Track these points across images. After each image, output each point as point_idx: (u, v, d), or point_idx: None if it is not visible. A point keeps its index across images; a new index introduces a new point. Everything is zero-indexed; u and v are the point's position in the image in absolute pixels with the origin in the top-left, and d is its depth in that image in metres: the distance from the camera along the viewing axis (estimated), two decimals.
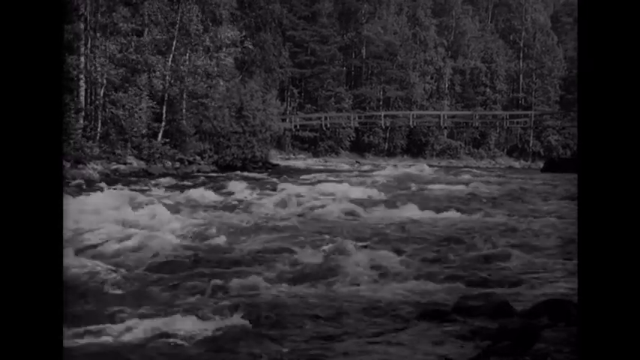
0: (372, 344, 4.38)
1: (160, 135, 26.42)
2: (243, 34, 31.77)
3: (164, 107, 26.96)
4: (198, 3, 28.36)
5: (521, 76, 61.14)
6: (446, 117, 47.15)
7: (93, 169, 21.38)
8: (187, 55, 27.67)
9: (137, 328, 4.55)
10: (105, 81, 24.02)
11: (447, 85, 57.25)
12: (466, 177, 24.80)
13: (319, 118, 44.52)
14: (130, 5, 25.37)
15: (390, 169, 30.53)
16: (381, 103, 52.43)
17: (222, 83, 28.37)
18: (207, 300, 5.49)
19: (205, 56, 27.81)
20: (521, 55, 61.80)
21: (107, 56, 23.89)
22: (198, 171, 25.85)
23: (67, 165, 20.16)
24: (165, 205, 11.27)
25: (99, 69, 23.66)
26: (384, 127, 46.77)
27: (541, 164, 42.10)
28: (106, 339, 4.41)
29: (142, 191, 14.77)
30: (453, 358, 3.84)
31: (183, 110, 27.70)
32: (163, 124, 26.76)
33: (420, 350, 4.23)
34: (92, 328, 4.57)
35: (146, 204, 11.44)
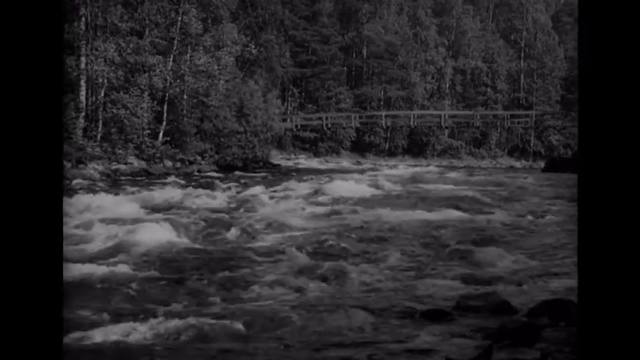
0: (372, 343, 4.38)
1: (160, 135, 26.42)
2: (247, 36, 31.77)
3: (165, 107, 26.97)
4: (199, 4, 28.35)
5: (522, 75, 61.12)
6: (447, 117, 47.14)
7: (94, 169, 21.41)
8: (188, 54, 27.66)
9: None
10: (105, 81, 24.03)
11: (447, 85, 57.25)
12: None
13: (320, 118, 44.51)
14: (129, 5, 25.36)
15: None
16: (381, 103, 52.44)
17: (222, 83, 28.37)
18: None
19: (206, 56, 27.80)
20: (522, 54, 61.79)
21: (106, 58, 23.87)
22: (199, 171, 25.85)
23: (68, 165, 20.19)
24: None
25: (99, 70, 23.66)
26: (384, 127, 46.77)
27: (542, 164, 42.10)
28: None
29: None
30: (454, 358, 3.84)
31: (184, 110, 27.70)
32: (164, 123, 26.76)
33: (420, 350, 4.22)
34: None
35: None
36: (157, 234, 8.33)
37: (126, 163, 23.54)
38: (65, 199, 11.70)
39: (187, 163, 26.51)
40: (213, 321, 4.64)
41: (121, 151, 23.87)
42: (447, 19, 59.65)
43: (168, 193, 14.73)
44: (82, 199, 12.18)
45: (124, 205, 11.92)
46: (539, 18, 62.82)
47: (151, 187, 16.42)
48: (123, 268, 6.60)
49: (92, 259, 7.06)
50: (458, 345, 4.28)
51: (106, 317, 4.85)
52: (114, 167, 22.64)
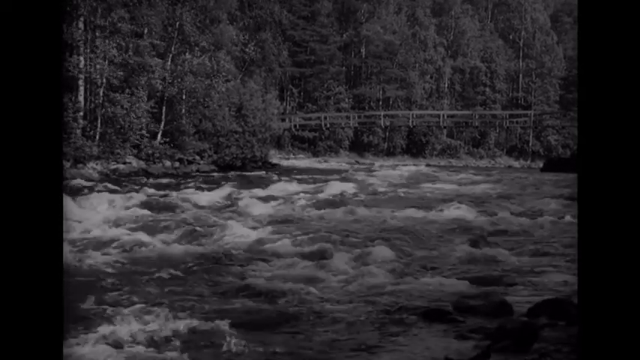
0: (372, 343, 4.38)
1: (159, 135, 26.40)
2: (246, 37, 31.71)
3: (163, 107, 26.94)
4: (197, 5, 28.31)
5: (520, 75, 61.13)
6: (445, 116, 47.11)
7: (92, 168, 21.39)
8: (186, 54, 27.63)
9: None
10: (105, 80, 23.99)
11: (446, 85, 57.25)
12: None
13: (319, 118, 44.49)
14: (129, 7, 25.29)
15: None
16: (380, 102, 52.40)
17: (221, 83, 28.34)
18: None
19: (205, 56, 27.77)
20: (521, 54, 61.79)
21: (106, 58, 23.81)
22: (198, 171, 25.81)
23: (67, 165, 20.16)
24: None
25: (98, 69, 23.62)
26: (383, 126, 46.76)
27: (540, 164, 42.06)
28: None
29: None
30: (453, 358, 3.84)
31: (183, 110, 27.67)
32: (163, 123, 26.74)
33: (420, 350, 4.23)
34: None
35: None
36: None
37: (124, 163, 23.52)
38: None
39: (186, 162, 26.50)
40: None
41: (119, 151, 23.83)
42: (446, 19, 59.61)
43: None
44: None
45: None
46: (538, 17, 62.81)
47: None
48: None
49: None
50: (457, 345, 4.28)
51: None
52: (112, 167, 22.62)
